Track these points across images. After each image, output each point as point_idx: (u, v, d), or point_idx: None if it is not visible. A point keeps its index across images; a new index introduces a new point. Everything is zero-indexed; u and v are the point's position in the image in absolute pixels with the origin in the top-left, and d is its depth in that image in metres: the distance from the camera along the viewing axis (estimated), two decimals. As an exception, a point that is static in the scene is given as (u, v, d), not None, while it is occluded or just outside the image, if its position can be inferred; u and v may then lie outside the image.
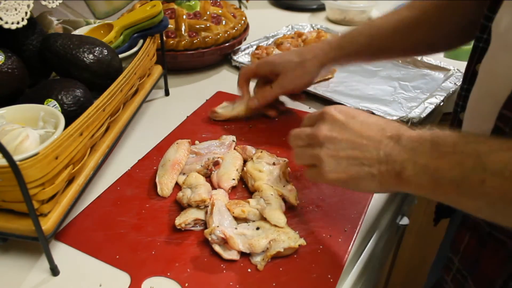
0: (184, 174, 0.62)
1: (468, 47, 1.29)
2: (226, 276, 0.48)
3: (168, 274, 0.48)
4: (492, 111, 0.45)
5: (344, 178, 0.45)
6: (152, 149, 0.68)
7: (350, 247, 0.51)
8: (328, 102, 0.80)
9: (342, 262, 0.50)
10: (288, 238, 0.49)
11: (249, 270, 0.49)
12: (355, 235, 0.53)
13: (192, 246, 0.51)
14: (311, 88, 0.83)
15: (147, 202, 0.58)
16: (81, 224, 0.55)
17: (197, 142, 0.69)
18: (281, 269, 0.49)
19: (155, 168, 0.63)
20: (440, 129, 0.41)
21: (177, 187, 0.60)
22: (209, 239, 0.50)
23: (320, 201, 0.58)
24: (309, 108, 0.80)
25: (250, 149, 0.65)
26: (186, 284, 0.47)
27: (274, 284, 0.47)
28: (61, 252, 0.51)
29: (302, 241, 0.49)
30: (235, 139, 0.69)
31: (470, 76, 0.55)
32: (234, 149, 0.67)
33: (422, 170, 0.40)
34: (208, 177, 0.62)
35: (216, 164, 0.62)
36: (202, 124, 0.75)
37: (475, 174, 0.37)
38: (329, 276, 0.48)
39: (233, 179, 0.60)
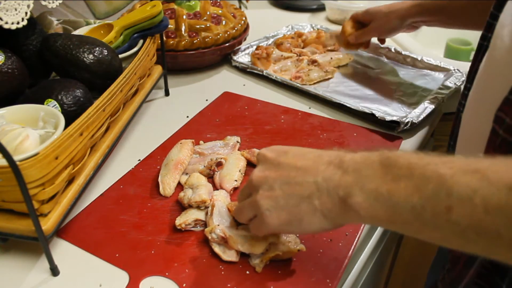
0: (187, 174, 0.62)
1: (468, 47, 1.29)
2: (225, 278, 0.48)
3: (167, 274, 0.48)
4: (489, 111, 0.44)
5: (285, 218, 0.40)
6: (157, 148, 0.68)
7: (350, 252, 0.51)
8: (328, 102, 0.80)
9: (342, 266, 0.49)
10: (288, 242, 0.49)
11: (247, 272, 0.49)
12: (356, 239, 0.53)
13: (192, 247, 0.51)
14: (311, 89, 0.83)
15: (149, 201, 0.58)
16: (83, 221, 0.55)
17: (201, 142, 0.69)
18: (279, 272, 0.49)
19: (158, 167, 0.63)
20: (387, 150, 0.36)
21: (180, 187, 0.60)
22: (209, 237, 0.50)
23: None
24: (309, 108, 0.80)
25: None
26: (184, 285, 0.47)
27: (272, 287, 0.47)
28: (62, 250, 0.51)
29: (301, 246, 0.49)
30: (239, 140, 0.69)
31: (473, 75, 0.54)
32: (239, 150, 0.67)
33: (373, 196, 0.34)
34: (211, 177, 0.62)
35: (219, 164, 0.62)
36: (208, 124, 0.75)
37: (439, 201, 0.31)
38: (327, 280, 0.47)
39: (235, 180, 0.60)
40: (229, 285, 0.47)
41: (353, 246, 0.52)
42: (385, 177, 0.34)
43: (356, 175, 0.36)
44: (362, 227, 0.54)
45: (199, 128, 0.73)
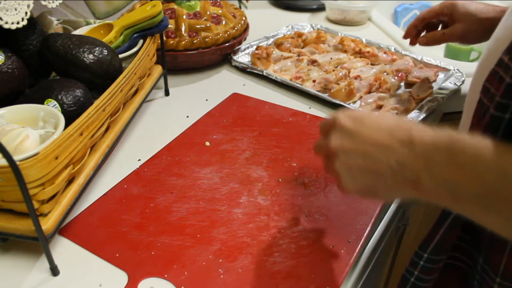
0: None
1: (468, 47, 1.29)
2: (223, 281, 0.48)
3: (166, 275, 0.48)
4: (479, 85, 0.47)
5: (361, 189, 0.43)
6: (162, 149, 0.68)
7: (352, 259, 0.51)
8: (328, 102, 0.80)
9: (343, 274, 0.49)
10: None
11: (247, 276, 0.48)
12: (359, 247, 0.52)
13: (192, 249, 0.51)
14: (311, 89, 0.83)
15: (152, 202, 0.58)
16: (85, 220, 0.55)
17: (207, 143, 0.69)
18: (280, 277, 0.48)
19: (163, 167, 0.63)
20: (455, 132, 0.37)
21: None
22: None
23: (327, 209, 0.58)
24: (309, 108, 0.80)
25: None
26: (182, 287, 0.47)
27: None
28: (62, 250, 0.51)
29: None
30: None
31: None
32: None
33: (440, 181, 0.37)
34: None
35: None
36: (215, 125, 0.74)
37: (501, 190, 0.33)
38: (328, 287, 0.47)
39: None
40: None
41: (355, 253, 0.51)
42: (451, 164, 0.36)
43: (425, 160, 0.37)
44: (365, 235, 0.54)
45: (206, 129, 0.73)
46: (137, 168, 0.64)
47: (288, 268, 0.49)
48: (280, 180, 0.62)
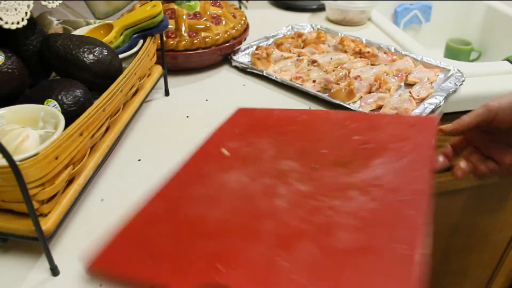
0: None
1: (468, 47, 1.29)
2: (287, 272, 0.41)
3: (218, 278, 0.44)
4: None
5: None
6: (177, 164, 0.58)
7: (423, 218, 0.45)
8: (328, 103, 0.80)
9: (418, 230, 0.43)
10: None
11: None
12: None
13: (240, 248, 0.44)
14: (311, 89, 0.83)
15: (179, 213, 0.50)
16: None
17: (224, 151, 0.64)
18: (350, 253, 0.43)
19: (183, 179, 0.55)
20: None
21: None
22: None
23: (378, 180, 0.52)
24: (309, 108, 0.80)
25: None
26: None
27: None
28: (62, 250, 0.51)
29: None
30: None
31: None
32: None
33: None
34: None
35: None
36: (227, 136, 0.65)
37: None
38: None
39: None
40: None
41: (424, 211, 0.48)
42: None
43: None
44: None
45: (219, 140, 0.65)
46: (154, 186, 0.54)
47: (356, 243, 0.44)
48: (316, 166, 0.58)
